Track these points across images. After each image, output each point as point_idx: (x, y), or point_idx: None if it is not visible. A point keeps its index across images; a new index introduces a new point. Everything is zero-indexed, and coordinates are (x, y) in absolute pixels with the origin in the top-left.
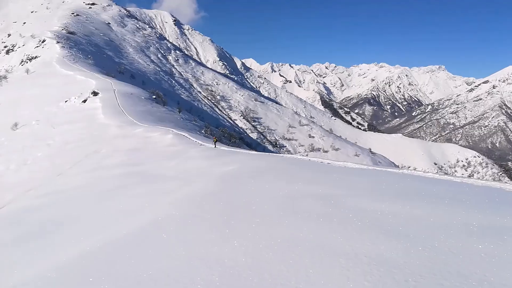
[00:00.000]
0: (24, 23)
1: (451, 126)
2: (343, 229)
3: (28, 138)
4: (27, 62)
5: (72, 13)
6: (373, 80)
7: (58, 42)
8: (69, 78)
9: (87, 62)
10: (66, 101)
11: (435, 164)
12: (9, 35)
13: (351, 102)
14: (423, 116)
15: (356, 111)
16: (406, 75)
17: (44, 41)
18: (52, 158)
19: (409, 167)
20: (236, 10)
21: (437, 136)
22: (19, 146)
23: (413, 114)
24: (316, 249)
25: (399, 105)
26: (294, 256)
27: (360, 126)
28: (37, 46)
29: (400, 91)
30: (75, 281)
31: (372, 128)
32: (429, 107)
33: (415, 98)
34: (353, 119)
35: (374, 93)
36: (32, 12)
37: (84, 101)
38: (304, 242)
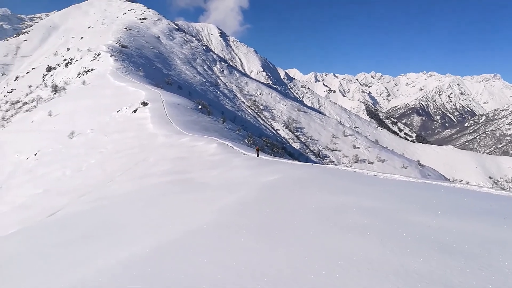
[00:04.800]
0: (82, 37)
1: (508, 138)
2: (391, 243)
3: (83, 146)
4: (83, 75)
5: (125, 28)
6: (421, 89)
7: (111, 55)
8: (121, 89)
9: (138, 74)
10: (118, 111)
11: (490, 178)
12: (68, 49)
13: (398, 112)
14: (476, 127)
15: (404, 121)
16: (458, 84)
17: (99, 54)
18: (104, 165)
19: (461, 180)
20: (279, 21)
21: (492, 148)
22: (75, 153)
23: (465, 125)
24: (363, 263)
25: (450, 115)
26: (340, 270)
27: (407, 137)
28: (93, 59)
29: (451, 101)
30: (123, 285)
31: (420, 139)
32: (483, 117)
33: (468, 108)
34: (400, 130)
35: (423, 103)
36: (89, 27)
37: (135, 111)
38: (350, 256)
